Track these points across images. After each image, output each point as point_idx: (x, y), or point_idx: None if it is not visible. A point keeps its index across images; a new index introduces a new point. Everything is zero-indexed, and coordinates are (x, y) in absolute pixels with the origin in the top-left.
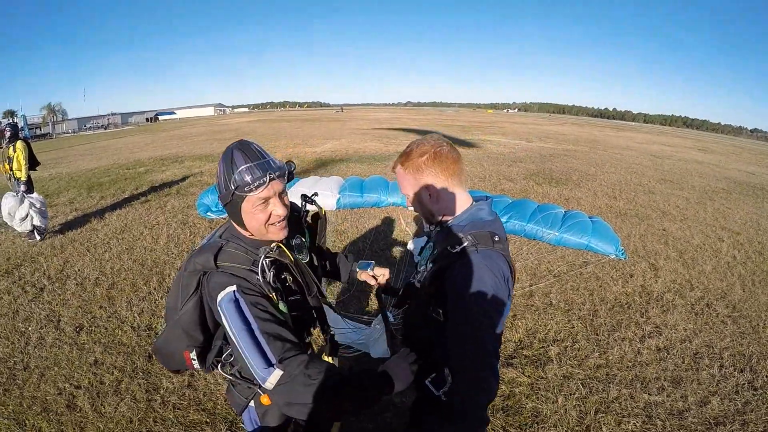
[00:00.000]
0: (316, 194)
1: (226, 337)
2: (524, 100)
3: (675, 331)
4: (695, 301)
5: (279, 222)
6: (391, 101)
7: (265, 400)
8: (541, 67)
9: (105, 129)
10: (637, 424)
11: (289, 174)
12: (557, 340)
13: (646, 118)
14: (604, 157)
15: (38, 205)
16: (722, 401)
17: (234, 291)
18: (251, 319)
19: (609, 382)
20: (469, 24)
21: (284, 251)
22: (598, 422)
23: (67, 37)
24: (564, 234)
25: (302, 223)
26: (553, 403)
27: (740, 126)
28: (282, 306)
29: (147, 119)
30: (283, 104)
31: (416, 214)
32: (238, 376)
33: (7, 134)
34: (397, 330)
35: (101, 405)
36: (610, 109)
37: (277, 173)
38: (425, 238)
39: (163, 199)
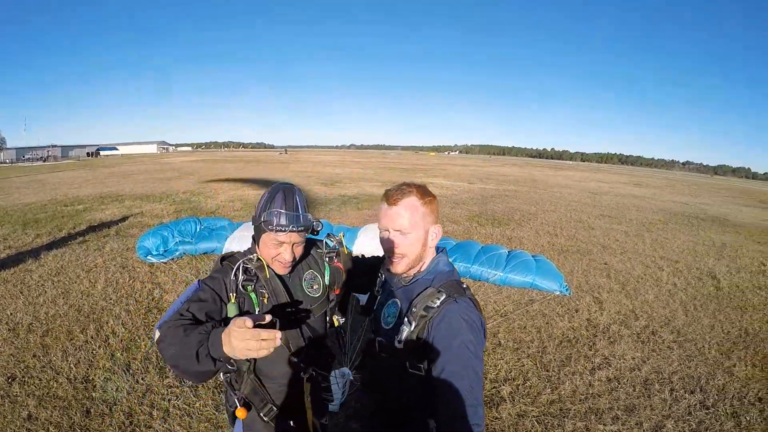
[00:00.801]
0: (343, 234)
1: None
2: (466, 143)
3: (623, 360)
4: (641, 330)
5: (284, 263)
6: (335, 143)
7: (240, 413)
8: (481, 110)
9: (44, 161)
10: None
11: (313, 231)
12: (508, 379)
13: (583, 157)
14: (544, 196)
15: None
16: (677, 424)
17: (202, 281)
18: (190, 294)
19: (563, 417)
20: (411, 68)
21: (263, 266)
22: None
23: (8, 62)
24: (508, 274)
25: (323, 260)
26: None
27: (672, 159)
28: (232, 306)
29: (88, 154)
30: (227, 144)
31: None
32: (228, 381)
33: None
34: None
35: None
36: (549, 150)
37: (300, 229)
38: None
39: (101, 239)
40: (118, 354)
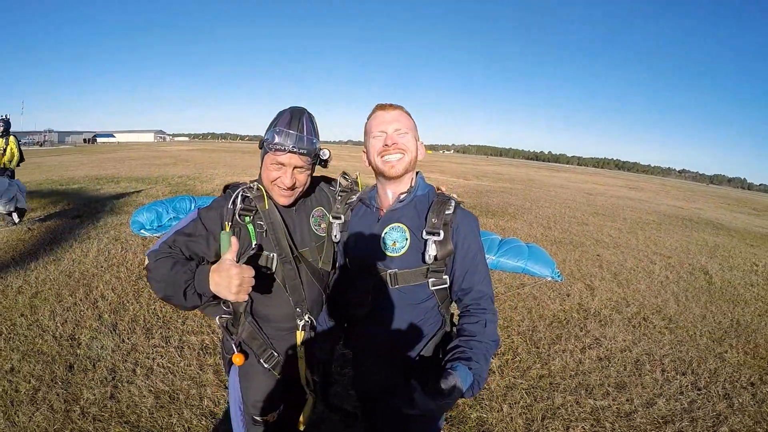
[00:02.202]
0: (358, 174)
1: None
2: (463, 143)
3: (614, 342)
4: (632, 315)
5: (283, 189)
6: (333, 138)
7: (237, 359)
8: (479, 110)
9: (41, 146)
10: (586, 428)
11: (323, 161)
12: (498, 354)
13: (580, 161)
14: (539, 194)
15: (23, 190)
16: (668, 401)
17: (200, 210)
18: (184, 224)
19: (553, 390)
20: (410, 65)
21: (263, 196)
22: (546, 428)
23: (8, 45)
24: (500, 258)
25: (335, 198)
26: (498, 411)
27: (669, 167)
28: (225, 236)
29: (85, 140)
30: (224, 136)
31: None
32: (224, 325)
33: (0, 128)
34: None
35: (14, 414)
36: (546, 152)
37: (301, 150)
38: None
39: (95, 215)
40: (106, 315)
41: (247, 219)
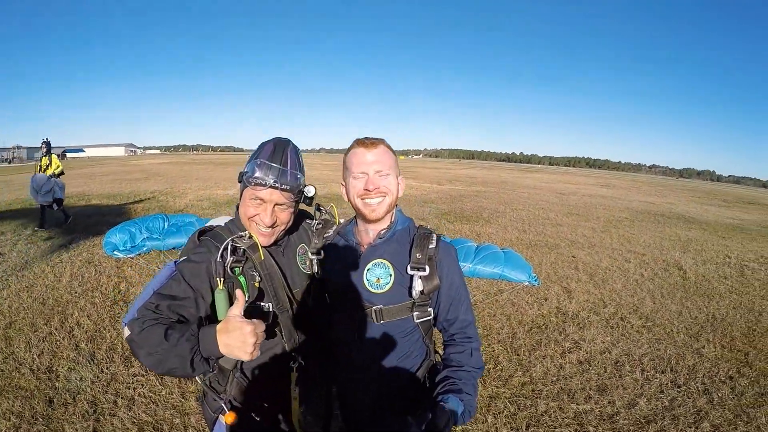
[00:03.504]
0: (333, 205)
1: None
2: (435, 147)
3: (593, 344)
4: (609, 316)
5: (262, 227)
6: (305, 147)
7: (228, 418)
8: (451, 114)
9: (9, 163)
10: None
11: (307, 199)
12: None
13: (552, 161)
14: (512, 196)
15: (60, 185)
16: (649, 401)
17: (179, 261)
18: (164, 281)
19: (536, 398)
20: (381, 72)
21: (257, 245)
22: None
23: None
24: (477, 265)
25: (311, 231)
26: (482, 423)
27: (639, 163)
28: (220, 294)
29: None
30: (195, 147)
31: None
32: (207, 384)
33: (44, 149)
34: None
35: None
36: (518, 154)
37: (283, 186)
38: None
39: (67, 236)
40: (83, 345)
41: (237, 270)
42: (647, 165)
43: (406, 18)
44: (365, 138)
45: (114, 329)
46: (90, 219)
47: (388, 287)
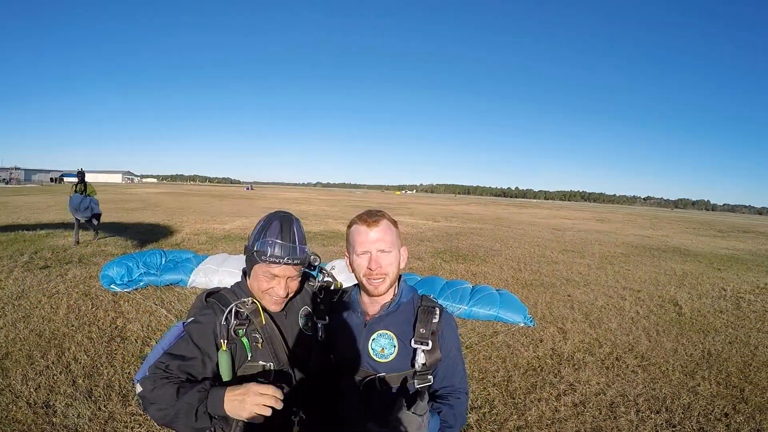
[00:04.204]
0: (333, 268)
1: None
2: (431, 182)
3: (588, 386)
4: (605, 356)
5: (276, 298)
6: (302, 181)
7: None
8: (447, 150)
9: (6, 183)
10: None
11: (311, 266)
12: (474, 408)
13: (547, 195)
14: (508, 233)
15: (95, 201)
16: None
17: (187, 322)
18: (173, 341)
19: None
20: (378, 108)
21: (258, 311)
22: None
23: None
24: (473, 307)
25: (314, 293)
26: None
27: (634, 195)
28: (224, 355)
29: (52, 179)
30: (192, 178)
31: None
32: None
33: (79, 177)
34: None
35: None
36: (513, 188)
37: (294, 261)
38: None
39: (64, 266)
40: (80, 380)
41: (241, 332)
42: (642, 197)
43: (405, 57)
44: (367, 215)
45: (111, 366)
46: (86, 248)
47: (392, 357)
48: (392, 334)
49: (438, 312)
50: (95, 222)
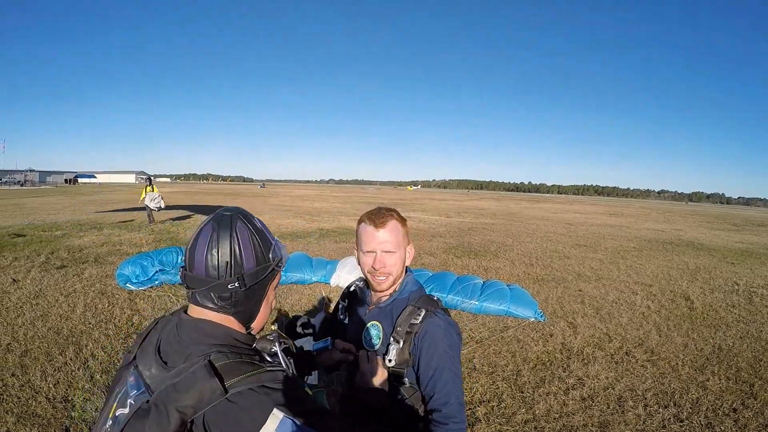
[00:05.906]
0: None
1: None
2: (444, 177)
3: (597, 380)
4: (614, 351)
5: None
6: (315, 178)
7: None
8: (460, 145)
9: (21, 185)
10: None
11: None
12: (483, 401)
13: (560, 189)
14: (520, 228)
15: (161, 197)
16: None
17: (283, 417)
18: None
19: None
20: (391, 105)
21: (282, 334)
22: None
23: None
24: (483, 302)
25: None
26: None
27: (648, 189)
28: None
29: (66, 180)
30: (206, 177)
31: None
32: None
33: (147, 181)
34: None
35: None
36: (526, 183)
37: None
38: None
39: (80, 266)
40: (98, 376)
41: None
42: (656, 191)
43: (418, 54)
44: (376, 215)
45: None
46: (102, 248)
47: (376, 348)
48: (380, 326)
49: (423, 313)
50: (158, 209)
